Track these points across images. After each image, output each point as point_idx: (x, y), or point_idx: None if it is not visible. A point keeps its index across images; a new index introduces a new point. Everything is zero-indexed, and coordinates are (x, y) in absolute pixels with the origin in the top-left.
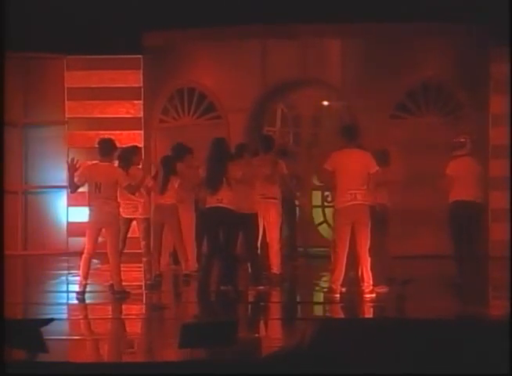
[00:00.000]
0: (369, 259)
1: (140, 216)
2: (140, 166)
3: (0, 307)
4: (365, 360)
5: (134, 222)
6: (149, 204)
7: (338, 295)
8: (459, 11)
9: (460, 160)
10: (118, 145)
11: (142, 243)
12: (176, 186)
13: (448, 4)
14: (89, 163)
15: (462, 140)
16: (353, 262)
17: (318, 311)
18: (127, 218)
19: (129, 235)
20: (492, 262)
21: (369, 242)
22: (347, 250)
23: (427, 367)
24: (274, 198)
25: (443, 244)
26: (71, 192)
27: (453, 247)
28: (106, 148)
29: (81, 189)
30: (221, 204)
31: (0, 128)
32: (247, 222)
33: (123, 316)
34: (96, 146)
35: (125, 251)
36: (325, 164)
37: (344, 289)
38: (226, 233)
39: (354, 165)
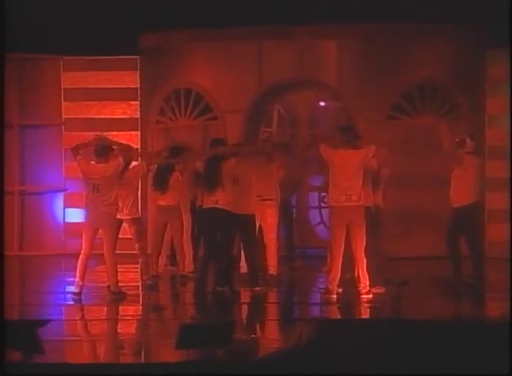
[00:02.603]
0: (364, 260)
1: (126, 217)
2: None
3: (0, 308)
4: (362, 361)
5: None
6: (137, 203)
7: (335, 296)
8: (455, 12)
9: (462, 161)
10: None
11: (137, 245)
12: (177, 186)
13: (444, 5)
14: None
15: (460, 139)
16: (349, 262)
17: (314, 312)
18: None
19: (126, 236)
20: (488, 263)
21: (364, 243)
22: (342, 250)
23: (427, 368)
24: (271, 199)
25: (440, 245)
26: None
27: (454, 249)
28: (102, 148)
29: (78, 191)
30: (216, 205)
31: (0, 129)
32: (245, 223)
33: (120, 317)
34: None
35: (122, 252)
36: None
37: (340, 290)
38: (222, 234)
39: (350, 166)
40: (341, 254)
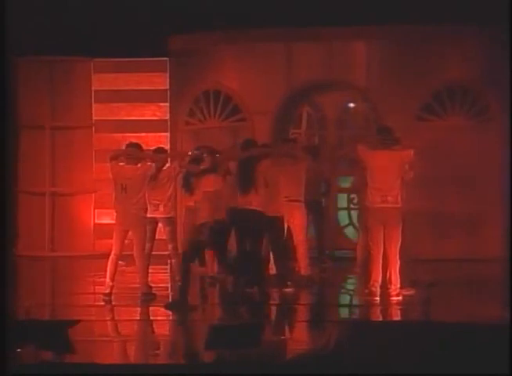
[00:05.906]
0: (398, 262)
1: (161, 215)
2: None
3: (3, 308)
4: (386, 362)
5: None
6: (173, 203)
7: (378, 298)
8: (485, 12)
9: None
10: (145, 148)
11: (170, 246)
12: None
13: (473, 5)
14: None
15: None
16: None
17: (344, 313)
18: (151, 218)
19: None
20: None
21: (399, 245)
22: (381, 251)
23: (427, 367)
24: (298, 200)
25: (473, 247)
26: None
27: None
28: (132, 153)
29: (108, 192)
30: (250, 207)
31: (2, 130)
32: (274, 225)
33: (149, 318)
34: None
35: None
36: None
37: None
38: (254, 235)
39: (388, 167)
40: (381, 254)
